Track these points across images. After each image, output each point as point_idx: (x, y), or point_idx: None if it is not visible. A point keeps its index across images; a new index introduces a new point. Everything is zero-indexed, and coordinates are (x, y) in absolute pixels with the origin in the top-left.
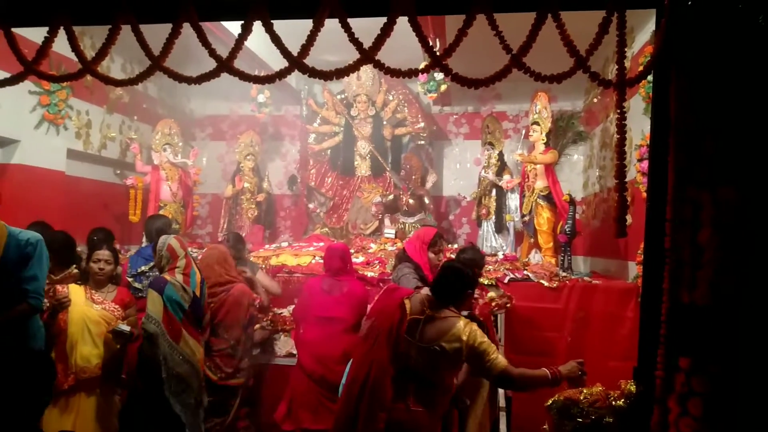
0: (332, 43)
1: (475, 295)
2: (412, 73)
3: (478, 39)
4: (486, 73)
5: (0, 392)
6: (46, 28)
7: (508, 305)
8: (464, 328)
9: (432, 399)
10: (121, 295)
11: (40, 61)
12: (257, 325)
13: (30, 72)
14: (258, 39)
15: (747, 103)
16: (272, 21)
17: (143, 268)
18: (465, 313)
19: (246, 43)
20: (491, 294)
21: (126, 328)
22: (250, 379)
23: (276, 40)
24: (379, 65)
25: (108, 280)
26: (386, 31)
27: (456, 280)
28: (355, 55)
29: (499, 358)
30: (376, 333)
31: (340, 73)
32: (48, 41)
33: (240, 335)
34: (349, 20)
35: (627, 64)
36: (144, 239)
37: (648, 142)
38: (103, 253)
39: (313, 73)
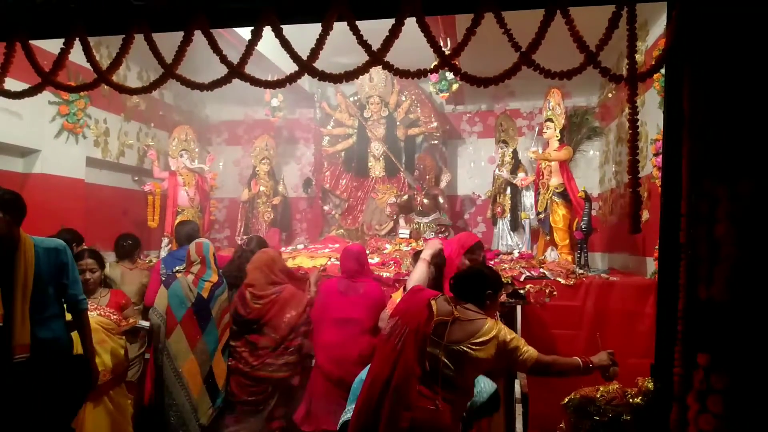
0: (344, 45)
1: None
2: (421, 74)
3: (489, 37)
4: (498, 70)
5: (43, 393)
6: (62, 40)
7: (510, 304)
8: (493, 327)
9: (455, 400)
10: (115, 298)
11: (56, 72)
12: None
13: (47, 83)
14: (270, 43)
15: (760, 96)
16: (282, 26)
17: (178, 268)
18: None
19: (258, 47)
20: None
21: (145, 323)
22: (295, 377)
23: (286, 44)
24: (388, 66)
25: (98, 285)
26: (395, 33)
27: (475, 279)
28: (366, 57)
29: (530, 350)
30: (401, 332)
31: (350, 75)
32: (64, 53)
33: (286, 334)
34: (359, 22)
35: (641, 58)
36: (163, 243)
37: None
38: (86, 263)
39: (323, 76)
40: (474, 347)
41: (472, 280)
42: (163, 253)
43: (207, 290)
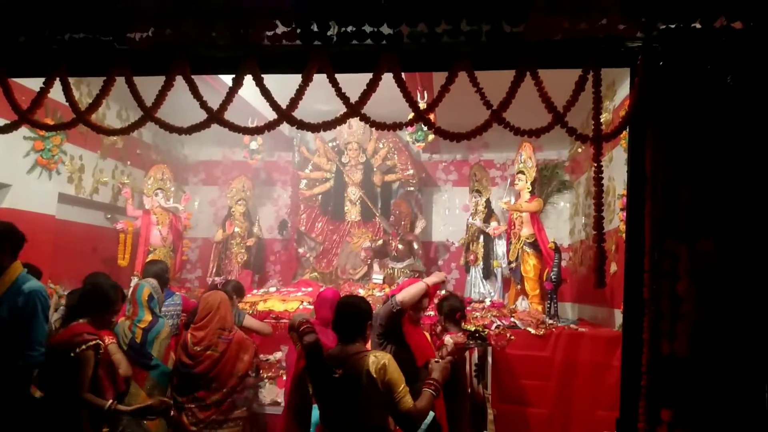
0: (323, 94)
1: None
2: (397, 126)
3: (465, 90)
4: (474, 122)
5: None
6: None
7: (469, 346)
8: (374, 361)
9: None
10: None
11: (34, 110)
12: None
13: (24, 121)
14: (251, 88)
15: (719, 158)
16: (262, 75)
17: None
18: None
19: (239, 91)
20: (447, 338)
21: None
22: (247, 429)
23: (266, 93)
24: (365, 119)
25: None
26: (372, 87)
27: (356, 316)
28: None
29: (408, 397)
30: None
31: (328, 125)
32: (43, 92)
33: (235, 385)
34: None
35: (608, 116)
36: (132, 282)
37: None
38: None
39: (302, 125)
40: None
41: (352, 316)
42: None
43: (139, 336)
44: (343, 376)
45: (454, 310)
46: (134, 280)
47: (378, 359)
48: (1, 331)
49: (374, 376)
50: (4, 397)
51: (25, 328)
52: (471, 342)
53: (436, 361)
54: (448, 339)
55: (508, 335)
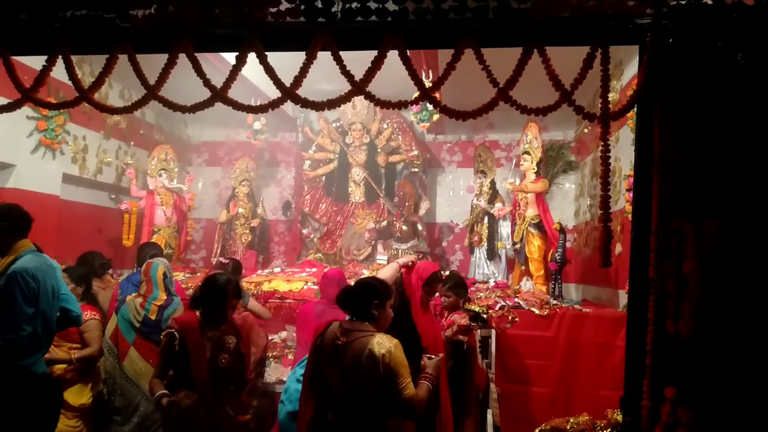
0: (327, 73)
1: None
2: (402, 105)
3: (470, 70)
4: (479, 101)
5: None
6: (43, 56)
7: (472, 328)
8: (379, 342)
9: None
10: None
11: (37, 89)
12: None
13: (27, 100)
14: (254, 67)
15: (729, 138)
16: (266, 53)
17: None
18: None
19: (242, 70)
20: (454, 317)
21: None
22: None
23: (269, 71)
24: (370, 97)
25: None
26: (377, 65)
27: (360, 292)
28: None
29: (410, 385)
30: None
31: (332, 104)
32: (46, 70)
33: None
34: (342, 51)
35: (616, 96)
36: (136, 265)
37: None
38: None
39: (305, 103)
40: (364, 365)
41: (357, 294)
42: None
43: (154, 312)
44: (346, 347)
45: (434, 278)
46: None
47: (383, 342)
48: None
49: (377, 357)
50: None
51: (2, 309)
52: (473, 324)
53: (429, 358)
54: (456, 317)
55: (510, 317)
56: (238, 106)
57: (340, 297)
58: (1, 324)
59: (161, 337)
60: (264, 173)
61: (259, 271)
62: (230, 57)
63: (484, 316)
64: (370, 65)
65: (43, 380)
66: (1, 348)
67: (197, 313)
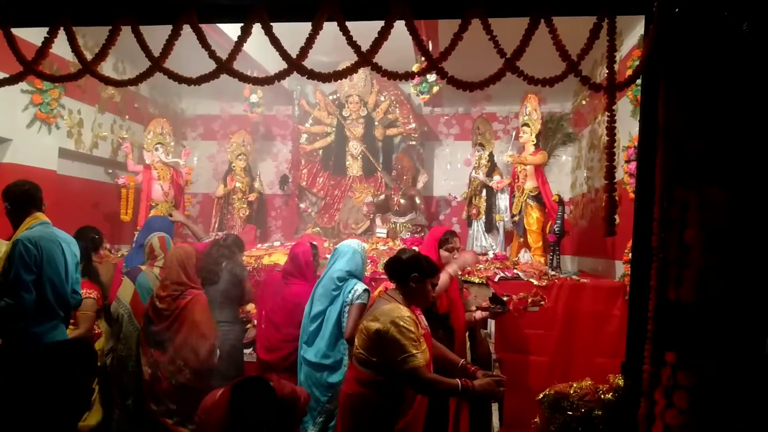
0: (325, 45)
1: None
2: (408, 76)
3: (472, 41)
4: (477, 74)
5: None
6: (44, 29)
7: (501, 312)
8: (392, 311)
9: (379, 382)
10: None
11: (39, 61)
12: None
13: (29, 72)
14: (252, 40)
15: (733, 107)
16: (271, 23)
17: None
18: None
19: None
20: (473, 298)
21: None
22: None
23: (275, 42)
24: (376, 68)
25: None
26: (384, 35)
27: (401, 260)
28: (347, 56)
29: (416, 359)
30: None
31: (338, 75)
32: (48, 42)
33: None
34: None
35: (615, 67)
36: (135, 237)
37: (635, 143)
38: None
39: (312, 75)
40: (367, 324)
41: (395, 262)
42: None
43: None
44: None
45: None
46: (137, 235)
47: (382, 317)
48: None
49: (370, 329)
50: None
51: (5, 273)
52: (493, 306)
53: (485, 375)
54: (475, 300)
55: (530, 300)
56: (244, 78)
57: (386, 263)
58: (5, 288)
59: None
60: (260, 147)
61: (259, 245)
62: (228, 29)
63: (504, 298)
64: (377, 35)
65: (63, 348)
66: (3, 310)
67: None
